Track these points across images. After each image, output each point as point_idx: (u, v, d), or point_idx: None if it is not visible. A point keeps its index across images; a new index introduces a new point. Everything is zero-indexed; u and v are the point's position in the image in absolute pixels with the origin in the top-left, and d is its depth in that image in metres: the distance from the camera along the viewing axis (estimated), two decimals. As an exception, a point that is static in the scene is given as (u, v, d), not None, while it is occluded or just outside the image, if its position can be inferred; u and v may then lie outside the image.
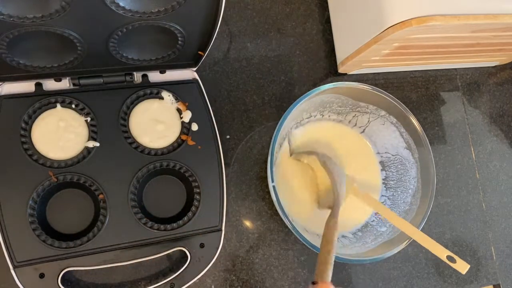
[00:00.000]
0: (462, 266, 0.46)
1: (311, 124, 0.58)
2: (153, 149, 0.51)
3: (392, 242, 0.50)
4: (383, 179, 0.58)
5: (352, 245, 0.53)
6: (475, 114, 0.70)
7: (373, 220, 0.56)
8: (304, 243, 0.47)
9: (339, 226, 0.55)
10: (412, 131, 0.54)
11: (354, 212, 0.56)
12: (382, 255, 0.48)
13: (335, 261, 0.45)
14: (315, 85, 0.62)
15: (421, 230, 0.50)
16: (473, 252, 0.64)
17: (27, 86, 0.48)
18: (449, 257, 0.46)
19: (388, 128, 0.56)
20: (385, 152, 0.58)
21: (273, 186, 0.47)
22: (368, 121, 0.57)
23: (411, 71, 0.68)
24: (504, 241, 0.66)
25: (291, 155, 0.56)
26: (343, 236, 0.55)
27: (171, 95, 0.52)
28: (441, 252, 0.47)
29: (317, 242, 0.48)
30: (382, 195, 0.57)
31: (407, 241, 0.49)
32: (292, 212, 0.54)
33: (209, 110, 0.53)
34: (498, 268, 0.65)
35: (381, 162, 0.59)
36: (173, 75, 0.53)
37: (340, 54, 0.62)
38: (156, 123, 0.52)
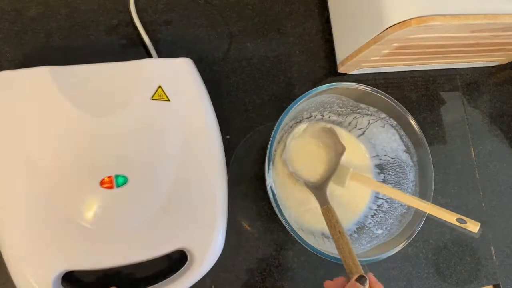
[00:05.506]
0: (473, 226, 0.47)
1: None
2: (153, 149, 0.51)
3: (388, 245, 0.50)
4: (381, 182, 0.58)
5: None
6: (475, 114, 0.70)
7: (370, 223, 0.55)
8: (302, 243, 0.47)
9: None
10: (412, 134, 0.54)
11: (347, 206, 0.57)
12: (377, 257, 0.48)
13: (336, 262, 0.45)
14: (315, 85, 0.61)
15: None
16: (473, 252, 0.64)
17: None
18: (459, 220, 0.47)
19: (388, 131, 0.56)
20: (384, 155, 0.58)
21: (271, 186, 0.47)
22: (369, 123, 0.57)
23: (411, 71, 0.67)
24: (504, 241, 0.66)
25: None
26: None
27: (171, 95, 0.52)
28: (451, 217, 0.49)
29: (316, 243, 0.48)
30: (380, 198, 0.57)
31: (402, 244, 0.49)
32: (291, 212, 0.54)
33: (209, 110, 0.53)
34: (498, 268, 0.65)
35: (380, 165, 0.59)
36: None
37: (340, 54, 0.62)
38: (156, 123, 0.51)
